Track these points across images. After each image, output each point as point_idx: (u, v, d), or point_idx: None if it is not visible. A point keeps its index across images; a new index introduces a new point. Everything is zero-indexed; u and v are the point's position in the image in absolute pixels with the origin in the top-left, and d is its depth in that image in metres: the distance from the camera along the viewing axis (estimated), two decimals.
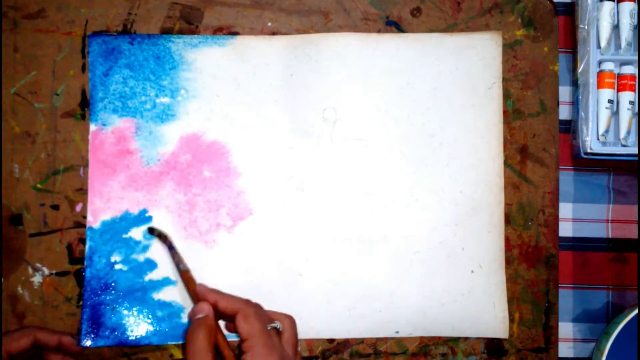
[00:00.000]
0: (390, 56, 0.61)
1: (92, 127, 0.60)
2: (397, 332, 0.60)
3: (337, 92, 0.61)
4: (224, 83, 0.61)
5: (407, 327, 0.60)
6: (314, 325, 0.60)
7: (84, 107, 0.61)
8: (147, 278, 0.60)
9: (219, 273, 0.60)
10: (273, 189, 0.61)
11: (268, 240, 0.60)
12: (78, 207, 0.60)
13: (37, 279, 0.60)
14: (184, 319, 0.60)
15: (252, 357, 0.50)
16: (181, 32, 0.61)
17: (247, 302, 0.52)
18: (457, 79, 0.62)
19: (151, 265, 0.60)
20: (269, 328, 0.52)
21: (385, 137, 0.61)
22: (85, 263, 0.59)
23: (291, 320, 0.54)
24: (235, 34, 0.62)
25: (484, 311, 0.61)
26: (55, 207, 0.60)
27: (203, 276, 0.59)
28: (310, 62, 0.61)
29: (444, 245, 0.61)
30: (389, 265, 0.61)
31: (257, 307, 0.52)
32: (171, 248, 0.58)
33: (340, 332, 0.60)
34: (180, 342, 0.60)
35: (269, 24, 0.62)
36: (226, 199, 0.61)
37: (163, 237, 0.59)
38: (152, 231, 0.60)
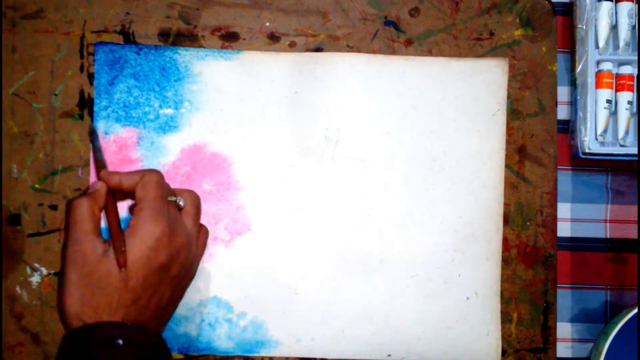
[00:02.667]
0: (395, 78, 0.61)
1: None
2: (389, 355, 0.60)
3: (341, 111, 0.61)
4: (229, 97, 0.61)
5: (400, 351, 0.60)
6: (307, 344, 0.60)
7: (83, 107, 0.61)
8: None
9: (215, 287, 0.60)
10: (273, 206, 0.61)
11: (265, 257, 0.60)
12: None
13: (35, 279, 0.60)
14: (180, 330, 0.60)
15: (137, 219, 0.50)
16: (179, 32, 0.62)
17: (150, 171, 0.53)
18: (461, 104, 0.62)
19: None
20: (168, 199, 0.52)
21: (388, 159, 0.61)
22: None
23: (192, 194, 0.55)
24: (234, 34, 0.62)
25: (478, 338, 0.61)
26: (54, 207, 0.60)
27: (198, 289, 0.60)
28: (316, 81, 0.61)
29: (441, 271, 0.61)
30: (385, 288, 0.61)
31: (159, 177, 0.53)
32: (95, 146, 0.58)
33: (332, 352, 0.60)
34: (177, 353, 0.60)
35: (267, 24, 0.62)
36: (225, 213, 0.60)
37: (92, 136, 0.59)
38: (90, 131, 0.60)
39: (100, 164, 0.56)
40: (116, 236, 0.51)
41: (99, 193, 0.53)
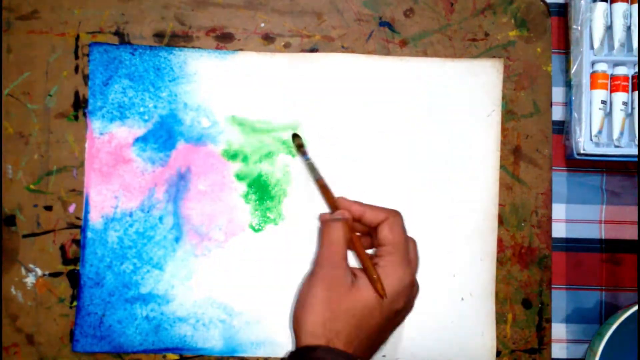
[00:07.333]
0: (390, 79, 0.62)
1: (90, 135, 0.60)
2: (383, 355, 0.60)
3: (337, 112, 0.61)
4: (224, 97, 0.61)
5: (394, 351, 0.60)
6: None
7: (77, 108, 0.61)
8: (135, 288, 0.60)
9: (210, 287, 0.60)
10: (268, 206, 0.61)
11: (260, 258, 0.60)
12: (71, 208, 0.60)
13: (30, 279, 0.60)
14: (174, 331, 0.60)
15: (388, 262, 0.51)
16: (174, 33, 0.62)
17: (395, 213, 0.52)
18: (456, 105, 0.62)
19: (139, 275, 0.60)
20: None
21: (382, 159, 0.61)
22: (80, 270, 0.60)
23: (415, 244, 0.55)
24: (229, 34, 0.62)
25: (472, 339, 0.61)
26: (49, 208, 0.60)
27: (192, 288, 0.60)
28: (311, 81, 0.61)
29: (435, 271, 0.61)
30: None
31: (403, 220, 0.53)
32: (307, 158, 0.59)
33: None
34: (166, 353, 0.60)
35: (262, 24, 0.62)
36: (219, 213, 0.61)
37: (302, 148, 0.59)
38: (295, 137, 0.60)
39: (322, 183, 0.57)
40: (371, 267, 0.51)
41: (348, 221, 0.53)
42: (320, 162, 0.61)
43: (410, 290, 0.52)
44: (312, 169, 0.58)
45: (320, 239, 0.52)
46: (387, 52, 0.62)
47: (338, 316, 0.49)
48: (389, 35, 0.62)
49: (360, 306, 0.50)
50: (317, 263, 0.51)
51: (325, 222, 0.52)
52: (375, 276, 0.50)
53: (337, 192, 0.61)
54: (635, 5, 0.61)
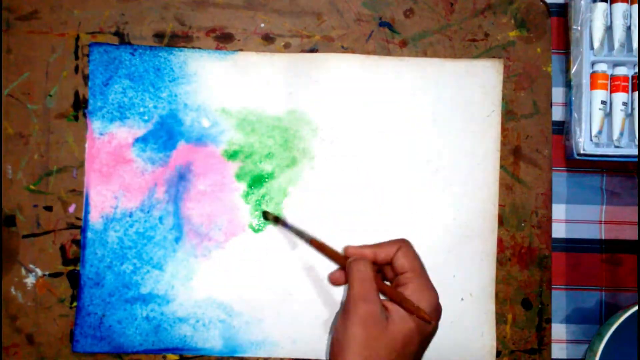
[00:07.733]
0: (390, 79, 0.62)
1: (90, 135, 0.60)
2: None
3: (336, 112, 0.61)
4: (224, 97, 0.61)
5: None
6: (302, 345, 0.60)
7: (77, 109, 0.61)
8: (135, 288, 0.60)
9: (210, 288, 0.60)
10: (268, 207, 0.61)
11: (260, 258, 0.60)
12: (71, 209, 0.60)
13: (30, 280, 0.60)
14: (174, 331, 0.60)
15: (414, 289, 0.50)
16: (174, 33, 0.62)
17: (403, 240, 0.53)
18: (456, 105, 0.62)
19: (139, 275, 0.60)
20: None
21: (382, 160, 0.61)
22: (80, 271, 0.60)
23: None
24: (229, 35, 0.62)
25: (472, 339, 0.61)
26: (49, 208, 0.60)
27: (192, 288, 0.60)
28: (310, 82, 0.61)
29: (435, 272, 0.60)
30: None
31: (411, 245, 0.53)
32: (289, 227, 0.58)
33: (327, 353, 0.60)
34: (166, 353, 0.60)
35: (262, 25, 0.62)
36: (220, 213, 0.61)
37: (279, 221, 0.59)
38: (266, 216, 0.60)
39: (317, 242, 0.55)
40: (405, 298, 0.50)
41: (366, 259, 0.52)
42: (320, 163, 0.61)
43: (439, 310, 0.52)
44: (299, 234, 0.57)
45: (350, 279, 0.51)
46: (387, 53, 0.62)
47: (378, 354, 0.49)
48: (388, 35, 0.62)
49: (398, 339, 0.49)
50: (351, 301, 0.50)
51: (349, 263, 0.52)
52: (414, 305, 0.50)
53: (336, 193, 0.61)
54: (635, 6, 0.61)
